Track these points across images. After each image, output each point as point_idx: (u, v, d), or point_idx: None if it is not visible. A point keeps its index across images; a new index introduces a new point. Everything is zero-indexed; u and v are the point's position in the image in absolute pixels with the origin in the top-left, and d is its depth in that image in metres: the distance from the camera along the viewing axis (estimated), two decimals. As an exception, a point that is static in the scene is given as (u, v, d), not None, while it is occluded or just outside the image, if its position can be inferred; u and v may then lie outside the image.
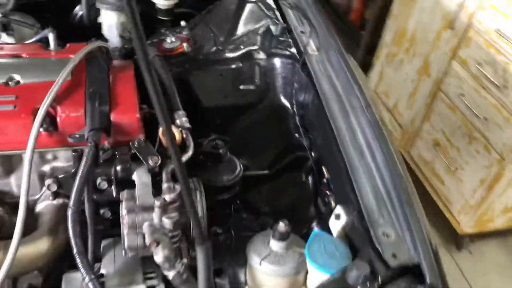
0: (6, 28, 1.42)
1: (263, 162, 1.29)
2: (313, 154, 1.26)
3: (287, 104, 1.37)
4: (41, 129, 0.99)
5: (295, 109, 1.35)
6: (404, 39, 2.70)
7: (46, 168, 1.06)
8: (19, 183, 1.03)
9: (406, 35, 2.68)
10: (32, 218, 1.03)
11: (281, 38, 1.43)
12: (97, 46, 1.20)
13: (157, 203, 0.89)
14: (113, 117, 1.02)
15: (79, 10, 1.58)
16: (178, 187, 0.93)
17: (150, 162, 0.98)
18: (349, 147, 1.07)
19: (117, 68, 1.18)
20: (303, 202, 1.24)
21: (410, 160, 2.70)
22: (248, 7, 1.51)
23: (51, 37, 1.20)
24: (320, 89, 1.21)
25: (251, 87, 1.39)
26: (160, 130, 1.06)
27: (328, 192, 1.15)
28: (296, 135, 1.32)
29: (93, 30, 1.56)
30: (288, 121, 1.34)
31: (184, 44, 1.41)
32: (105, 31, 1.55)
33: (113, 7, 1.51)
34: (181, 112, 1.12)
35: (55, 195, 1.04)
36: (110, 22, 1.53)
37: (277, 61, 1.39)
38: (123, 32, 1.56)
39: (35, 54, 1.15)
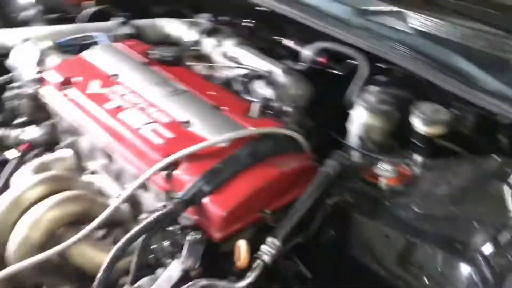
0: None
1: None
2: None
3: None
4: (164, 172, 1.05)
5: None
6: None
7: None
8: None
9: None
10: None
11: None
12: (287, 134, 1.16)
13: None
14: (207, 199, 0.99)
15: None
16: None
17: (185, 262, 0.91)
18: None
19: (282, 163, 1.10)
20: None
21: None
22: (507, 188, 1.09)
23: (254, 105, 1.23)
24: None
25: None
26: (238, 243, 0.96)
27: None
28: None
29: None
30: None
31: (383, 179, 1.18)
32: (350, 124, 1.47)
33: (367, 106, 1.40)
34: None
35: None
36: (359, 119, 1.44)
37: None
38: (364, 134, 1.44)
39: (232, 113, 1.20)
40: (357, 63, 1.44)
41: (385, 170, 1.22)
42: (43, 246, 1.04)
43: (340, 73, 1.60)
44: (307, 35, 1.57)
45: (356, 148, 1.34)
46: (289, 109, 1.43)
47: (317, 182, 1.09)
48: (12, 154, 1.27)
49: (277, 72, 1.49)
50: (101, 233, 1.16)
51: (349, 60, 1.49)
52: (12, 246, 1.03)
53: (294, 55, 1.62)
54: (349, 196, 1.16)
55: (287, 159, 1.13)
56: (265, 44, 1.69)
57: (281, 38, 1.67)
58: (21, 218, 1.05)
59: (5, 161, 1.28)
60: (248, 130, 1.13)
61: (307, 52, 1.58)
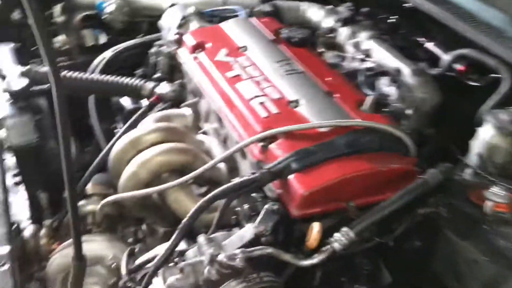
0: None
1: None
2: None
3: None
4: (261, 143, 1.11)
5: None
6: None
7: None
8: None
9: None
10: None
11: None
12: (394, 133, 1.13)
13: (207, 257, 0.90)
14: (293, 175, 1.02)
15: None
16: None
17: (257, 227, 0.96)
18: None
19: (381, 160, 1.08)
20: None
21: None
22: None
23: (368, 98, 1.21)
24: None
25: None
26: (312, 224, 0.97)
27: None
28: None
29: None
30: None
31: (490, 203, 1.07)
32: (474, 140, 1.37)
33: (497, 125, 1.28)
34: None
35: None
36: (485, 137, 1.32)
37: None
38: (486, 153, 1.33)
39: (343, 102, 1.20)
40: (500, 77, 1.32)
41: (496, 195, 1.12)
42: (148, 184, 1.17)
43: (478, 85, 1.48)
44: (450, 39, 1.48)
45: (471, 165, 1.24)
46: (409, 111, 1.38)
47: (411, 187, 1.04)
48: (144, 102, 1.44)
49: (406, 71, 1.43)
50: (202, 190, 1.27)
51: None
52: (123, 178, 1.19)
53: (432, 59, 1.54)
54: (444, 211, 1.09)
55: (388, 158, 1.10)
56: (404, 42, 1.63)
57: (421, 38, 1.60)
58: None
59: (139, 108, 1.46)
60: (352, 121, 1.12)
61: (445, 57, 1.49)
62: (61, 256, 1.13)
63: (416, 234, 1.11)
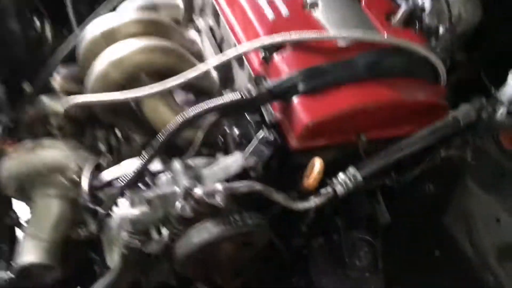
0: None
1: None
2: None
3: None
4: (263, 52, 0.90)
5: None
6: None
7: None
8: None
9: None
10: None
11: None
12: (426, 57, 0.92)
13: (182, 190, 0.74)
14: (297, 98, 0.82)
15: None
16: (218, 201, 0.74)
17: (247, 159, 0.78)
18: None
19: (406, 88, 0.89)
20: None
21: None
22: None
23: (400, 11, 0.98)
24: None
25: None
26: (313, 161, 0.80)
27: None
28: None
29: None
30: None
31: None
32: (512, 73, 1.16)
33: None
34: None
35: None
36: None
37: None
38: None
39: (371, 12, 0.97)
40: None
41: None
42: (122, 86, 0.98)
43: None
44: None
45: (506, 103, 1.05)
46: (442, 29, 1.16)
47: (438, 125, 0.86)
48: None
49: (446, -19, 1.19)
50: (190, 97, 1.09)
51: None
52: (92, 77, 0.99)
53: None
54: (471, 156, 0.92)
55: (414, 86, 0.91)
56: None
57: None
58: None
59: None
60: (380, 37, 0.91)
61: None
62: (12, 159, 0.97)
63: (431, 178, 0.95)
